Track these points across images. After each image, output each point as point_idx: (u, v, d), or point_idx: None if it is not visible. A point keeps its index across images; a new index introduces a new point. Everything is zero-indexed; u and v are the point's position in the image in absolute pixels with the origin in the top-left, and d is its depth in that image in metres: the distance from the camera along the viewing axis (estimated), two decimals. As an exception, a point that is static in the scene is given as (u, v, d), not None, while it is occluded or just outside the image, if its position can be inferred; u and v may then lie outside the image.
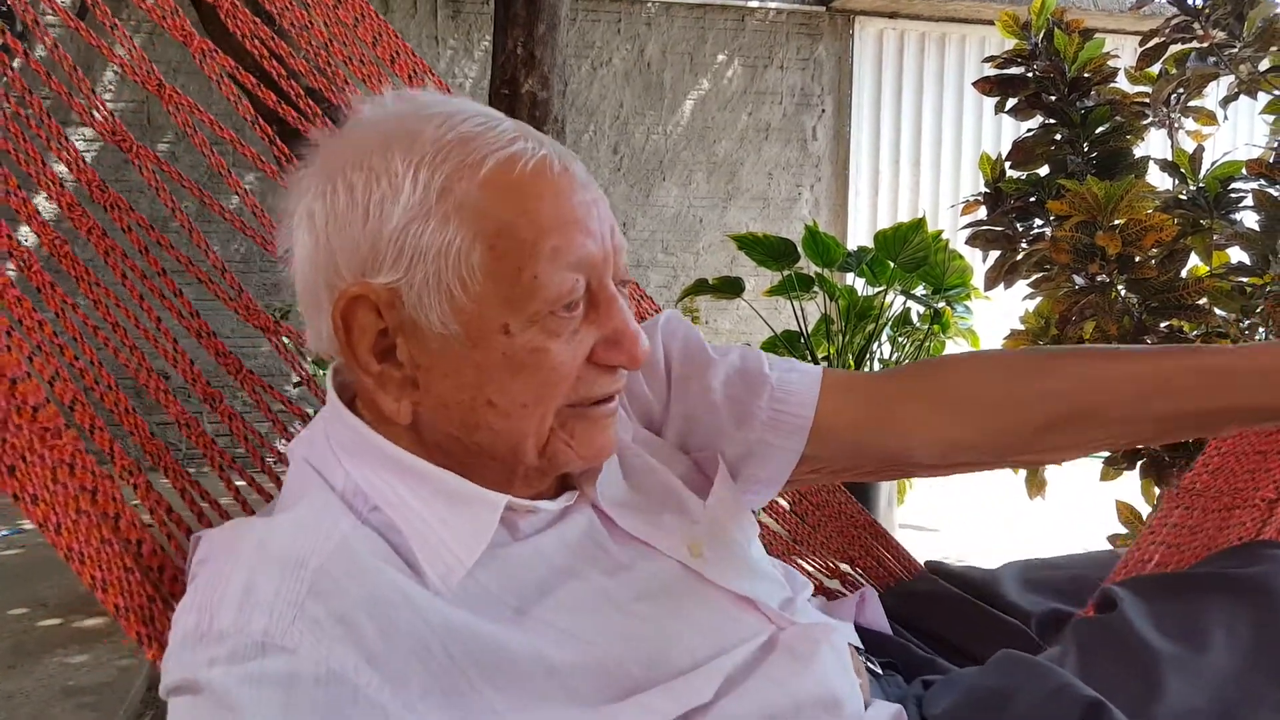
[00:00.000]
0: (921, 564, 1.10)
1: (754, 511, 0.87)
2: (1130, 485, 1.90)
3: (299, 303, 0.72)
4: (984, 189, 2.44)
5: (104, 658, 2.19)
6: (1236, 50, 2.10)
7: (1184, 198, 2.05)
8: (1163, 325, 2.00)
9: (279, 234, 0.73)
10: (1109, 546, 1.89)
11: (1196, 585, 0.79)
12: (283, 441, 0.93)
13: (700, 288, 3.44)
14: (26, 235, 4.05)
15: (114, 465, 0.78)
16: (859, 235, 5.85)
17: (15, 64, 0.92)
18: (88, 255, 0.85)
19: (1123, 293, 2.03)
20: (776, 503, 1.07)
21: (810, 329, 3.39)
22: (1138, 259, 1.99)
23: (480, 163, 0.64)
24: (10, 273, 0.76)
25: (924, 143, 6.03)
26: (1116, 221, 1.98)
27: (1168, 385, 0.77)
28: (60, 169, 0.93)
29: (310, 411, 0.94)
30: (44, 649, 2.24)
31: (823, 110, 5.87)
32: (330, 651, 0.53)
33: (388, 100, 0.70)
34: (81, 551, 0.61)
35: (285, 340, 1.12)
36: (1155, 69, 2.27)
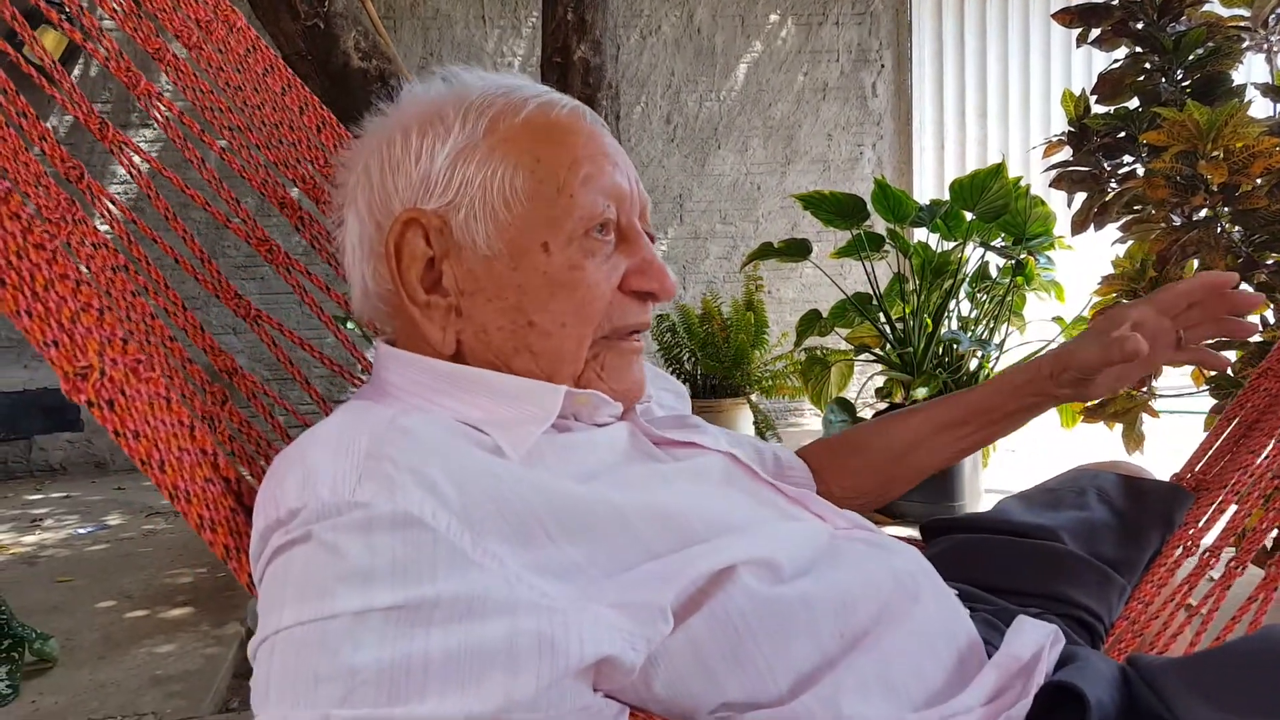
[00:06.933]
0: (917, 536, 1.06)
1: None
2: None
3: (345, 263, 0.75)
4: (1067, 128, 2.31)
5: (189, 646, 2.20)
6: (1343, -40, 1.93)
7: (1292, 121, 1.90)
8: (1271, 260, 1.87)
9: (333, 202, 0.78)
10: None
11: None
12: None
13: (765, 251, 3.33)
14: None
15: (197, 404, 0.75)
16: (925, 194, 5.67)
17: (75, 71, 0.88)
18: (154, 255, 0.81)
19: (1228, 227, 1.89)
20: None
21: (883, 289, 3.27)
22: (1244, 189, 1.85)
23: (521, 105, 0.72)
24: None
25: (990, 92, 5.80)
26: (1216, 152, 1.84)
27: (945, 427, 0.99)
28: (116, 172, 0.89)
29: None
30: (132, 640, 2.26)
31: (882, 65, 5.69)
32: (406, 497, 0.51)
33: (437, 77, 0.76)
34: (187, 490, 0.57)
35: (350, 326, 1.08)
36: (1253, -14, 2.11)
